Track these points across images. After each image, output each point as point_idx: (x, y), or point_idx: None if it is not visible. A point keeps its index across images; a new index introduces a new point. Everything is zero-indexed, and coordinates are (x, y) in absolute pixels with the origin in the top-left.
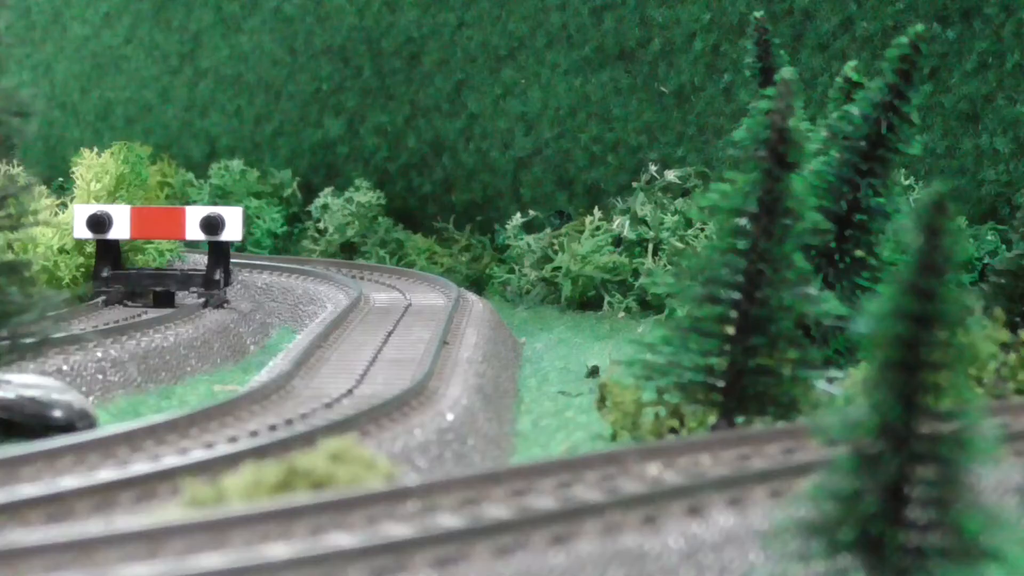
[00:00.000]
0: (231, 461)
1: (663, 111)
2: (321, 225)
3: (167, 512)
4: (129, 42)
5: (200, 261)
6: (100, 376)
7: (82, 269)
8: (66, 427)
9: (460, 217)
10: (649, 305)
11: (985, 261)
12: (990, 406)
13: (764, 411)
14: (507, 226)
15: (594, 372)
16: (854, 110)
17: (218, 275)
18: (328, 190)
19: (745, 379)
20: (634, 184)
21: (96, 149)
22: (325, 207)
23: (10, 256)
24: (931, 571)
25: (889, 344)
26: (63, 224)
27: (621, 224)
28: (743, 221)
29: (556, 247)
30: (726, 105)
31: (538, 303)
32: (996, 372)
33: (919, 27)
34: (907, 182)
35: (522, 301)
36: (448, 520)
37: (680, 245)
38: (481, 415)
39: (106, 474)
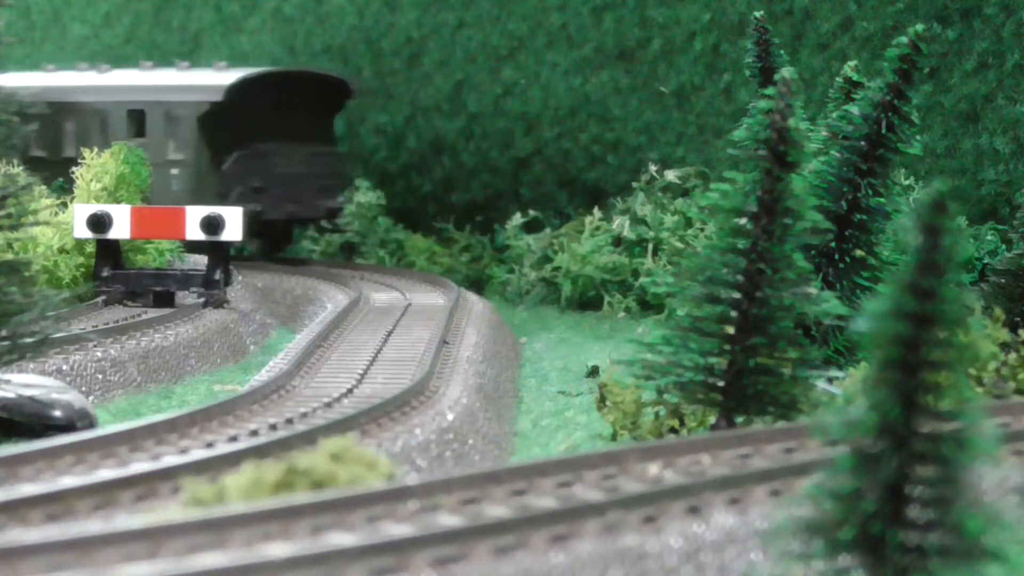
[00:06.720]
0: (231, 460)
1: (663, 111)
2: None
3: (167, 512)
4: (129, 42)
5: (200, 261)
6: (100, 376)
7: (82, 269)
8: (66, 427)
9: (460, 217)
10: (649, 305)
11: (985, 261)
12: (990, 406)
13: (764, 411)
14: (507, 226)
15: (594, 372)
16: (854, 110)
17: (218, 275)
18: None
19: (745, 379)
20: (634, 184)
21: (96, 149)
22: None
23: (10, 256)
24: (931, 571)
25: (889, 344)
26: (63, 224)
27: (621, 224)
28: (743, 221)
29: (556, 247)
30: (726, 105)
31: (538, 303)
32: (996, 372)
33: (919, 27)
34: (907, 182)
35: (522, 301)
36: (448, 520)
37: (680, 245)
38: (481, 415)
39: (106, 474)
